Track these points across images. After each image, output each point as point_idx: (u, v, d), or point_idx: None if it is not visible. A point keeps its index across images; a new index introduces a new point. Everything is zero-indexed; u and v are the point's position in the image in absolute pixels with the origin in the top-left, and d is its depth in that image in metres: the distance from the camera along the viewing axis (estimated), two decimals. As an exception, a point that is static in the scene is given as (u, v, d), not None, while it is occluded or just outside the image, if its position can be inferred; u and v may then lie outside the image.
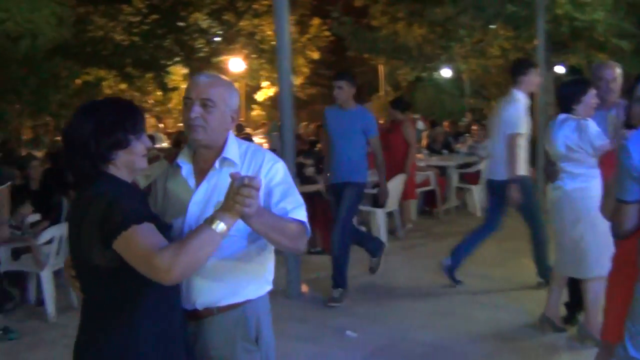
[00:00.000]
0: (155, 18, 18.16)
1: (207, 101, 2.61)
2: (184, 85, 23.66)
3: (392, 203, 9.11)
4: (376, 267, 7.22)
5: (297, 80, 25.13)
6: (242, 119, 24.89)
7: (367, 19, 17.11)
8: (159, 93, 22.96)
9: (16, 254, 6.56)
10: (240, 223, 2.32)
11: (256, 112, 29.81)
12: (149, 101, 25.10)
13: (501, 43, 14.96)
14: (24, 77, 11.21)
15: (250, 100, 30.12)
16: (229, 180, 2.55)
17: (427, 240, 9.38)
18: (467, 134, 14.42)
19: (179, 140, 12.12)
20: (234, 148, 2.70)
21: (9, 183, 5.89)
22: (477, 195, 10.92)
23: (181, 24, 18.82)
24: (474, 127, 13.20)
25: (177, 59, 19.46)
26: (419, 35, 15.02)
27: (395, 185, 9.09)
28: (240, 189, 2.17)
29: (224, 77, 2.84)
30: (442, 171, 11.19)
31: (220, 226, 2.19)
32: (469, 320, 5.91)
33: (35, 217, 7.20)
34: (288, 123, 6.67)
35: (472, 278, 7.22)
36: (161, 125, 22.65)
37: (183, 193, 2.69)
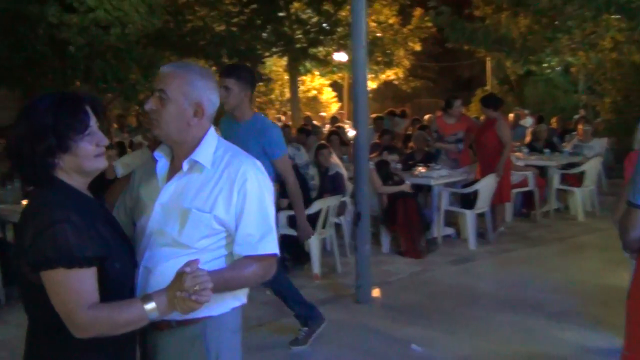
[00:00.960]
0: (254, 8, 18.09)
1: (162, 93, 2.35)
2: (286, 77, 23.88)
3: (483, 204, 8.55)
4: (303, 341, 5.27)
5: (399, 73, 24.61)
6: (343, 111, 24.62)
7: (469, 9, 16.42)
8: (261, 84, 23.03)
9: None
10: (204, 231, 2.35)
11: (359, 104, 29.42)
12: (251, 92, 25.22)
13: (614, 35, 13.89)
14: (112, 65, 11.36)
15: (353, 93, 29.74)
16: (197, 185, 2.37)
17: (520, 245, 8.72)
18: (574, 132, 13.48)
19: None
20: (207, 150, 2.41)
21: None
22: (580, 198, 10.15)
23: (281, 14, 18.67)
24: (580, 126, 12.28)
25: (275, 49, 19.33)
26: (523, 26, 14.17)
27: (487, 186, 8.56)
28: (186, 301, 2.02)
29: (195, 66, 2.52)
30: (542, 171, 10.47)
31: (152, 309, 2.06)
32: (550, 341, 5.31)
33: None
34: (363, 118, 6.24)
35: (563, 290, 6.59)
36: (262, 116, 22.69)
37: (151, 191, 2.45)
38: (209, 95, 2.41)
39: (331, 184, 7.97)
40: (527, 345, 5.25)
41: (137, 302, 2.06)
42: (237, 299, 2.48)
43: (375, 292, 6.62)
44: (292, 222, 7.25)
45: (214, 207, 2.33)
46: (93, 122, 2.16)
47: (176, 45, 15.61)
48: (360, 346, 5.32)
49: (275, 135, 4.80)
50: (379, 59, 21.80)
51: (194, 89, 2.36)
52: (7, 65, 11.04)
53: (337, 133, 11.18)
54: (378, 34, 21.15)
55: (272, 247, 2.41)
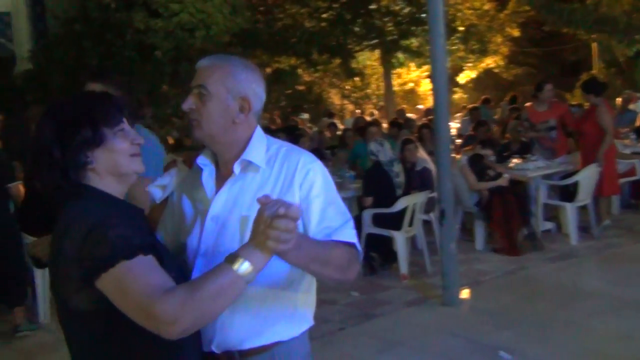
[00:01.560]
0: (344, 2, 17.86)
1: (202, 89, 2.05)
2: (381, 70, 23.54)
3: (585, 196, 7.98)
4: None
5: (499, 61, 23.73)
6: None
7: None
8: (357, 79, 22.80)
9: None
10: None
11: (458, 95, 28.66)
12: (347, 87, 25.06)
13: None
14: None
15: (451, 83, 29.07)
16: (254, 188, 2.07)
17: (627, 239, 8.08)
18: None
19: (358, 126, 11.54)
20: (258, 148, 2.11)
21: None
22: (696, 186, 9.37)
23: (372, 6, 18.34)
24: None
25: (366, 42, 19.02)
26: (627, 3, 13.22)
27: (588, 176, 7.99)
28: (274, 222, 1.66)
29: (236, 57, 2.19)
30: (651, 158, 9.71)
31: (244, 267, 1.71)
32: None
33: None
34: (443, 111, 5.86)
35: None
36: (358, 111, 22.48)
37: (199, 205, 2.15)
38: (255, 89, 2.12)
39: (419, 180, 7.63)
40: (633, 352, 4.76)
41: (222, 265, 1.73)
42: (306, 320, 2.18)
43: (465, 294, 6.24)
44: (377, 220, 6.98)
45: None
46: (125, 120, 1.96)
47: (266, 44, 15.58)
48: (443, 352, 4.98)
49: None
50: (475, 47, 21.04)
51: (238, 81, 2.07)
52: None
53: (429, 126, 10.78)
54: (474, 22, 20.41)
55: (350, 235, 2.07)
